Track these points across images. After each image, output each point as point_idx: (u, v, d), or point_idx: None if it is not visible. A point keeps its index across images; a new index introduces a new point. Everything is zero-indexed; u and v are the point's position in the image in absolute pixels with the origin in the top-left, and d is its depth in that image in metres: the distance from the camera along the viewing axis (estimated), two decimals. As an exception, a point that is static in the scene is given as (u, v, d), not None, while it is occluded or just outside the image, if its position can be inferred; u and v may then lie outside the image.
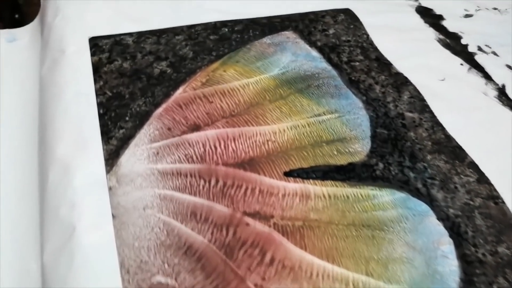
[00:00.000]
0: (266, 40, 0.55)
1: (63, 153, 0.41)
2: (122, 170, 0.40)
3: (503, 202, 0.41)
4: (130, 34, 0.53)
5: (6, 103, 0.53)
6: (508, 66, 0.57)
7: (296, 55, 0.53)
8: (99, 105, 0.45)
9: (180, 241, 0.36)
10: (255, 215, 0.38)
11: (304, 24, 0.58)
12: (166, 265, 0.34)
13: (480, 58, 0.58)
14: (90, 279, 0.33)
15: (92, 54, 0.50)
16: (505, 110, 0.51)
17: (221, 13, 0.58)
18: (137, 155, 0.41)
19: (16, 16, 0.83)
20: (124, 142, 0.42)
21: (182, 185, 0.40)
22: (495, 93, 0.53)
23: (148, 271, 0.34)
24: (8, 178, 0.46)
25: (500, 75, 0.56)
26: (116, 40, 0.52)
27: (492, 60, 0.58)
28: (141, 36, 0.53)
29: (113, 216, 0.37)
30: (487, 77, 0.55)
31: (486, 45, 0.60)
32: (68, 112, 0.45)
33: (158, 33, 0.54)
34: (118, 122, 0.44)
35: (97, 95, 0.46)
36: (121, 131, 0.43)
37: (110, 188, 0.39)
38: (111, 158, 0.41)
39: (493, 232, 0.39)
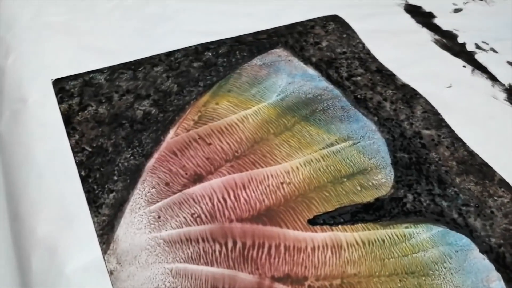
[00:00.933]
0: (257, 61, 0.49)
1: (45, 232, 0.34)
2: (121, 246, 0.34)
3: (544, 222, 0.38)
4: (100, 71, 0.46)
5: None
6: (509, 63, 0.54)
7: (292, 76, 0.48)
8: (79, 165, 0.38)
9: (206, 328, 0.30)
10: (286, 279, 0.33)
11: (294, 39, 0.52)
12: None
13: (480, 57, 0.55)
14: None
15: (60, 101, 0.43)
16: (518, 113, 0.48)
17: (200, 34, 0.52)
18: (135, 223, 0.35)
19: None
20: (118, 209, 0.36)
21: (194, 254, 0.34)
22: (504, 95, 0.50)
23: None
24: None
25: (504, 74, 0.53)
26: (86, 80, 0.45)
27: (493, 58, 0.55)
28: (114, 71, 0.46)
29: (121, 309, 0.31)
30: (492, 78, 0.52)
31: (483, 42, 0.57)
32: (43, 177, 0.38)
33: (133, 66, 0.47)
34: (106, 185, 0.37)
35: (75, 152, 0.39)
36: (111, 195, 0.36)
37: (111, 272, 0.32)
38: (106, 232, 0.34)
39: (541, 259, 0.36)
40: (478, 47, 0.56)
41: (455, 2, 0.63)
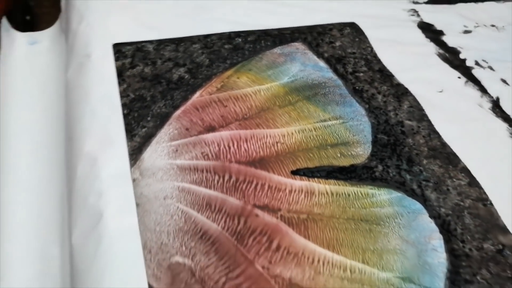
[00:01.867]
0: (277, 50, 0.59)
1: (91, 149, 0.46)
2: (145, 164, 0.44)
3: (491, 204, 0.45)
4: (150, 42, 0.58)
5: (28, 102, 0.58)
6: (503, 81, 0.61)
7: (304, 65, 0.58)
8: (123, 106, 0.49)
9: (196, 227, 0.40)
10: (264, 207, 0.42)
11: (312, 36, 0.62)
12: (183, 248, 0.38)
13: (477, 72, 0.62)
14: (116, 259, 0.37)
15: (116, 59, 0.55)
16: (499, 121, 0.55)
17: (234, 24, 0.63)
18: (158, 151, 0.46)
19: (27, 17, 0.88)
20: (146, 140, 0.46)
21: (198, 179, 0.44)
22: (489, 105, 0.57)
23: (168, 252, 0.38)
24: (32, 173, 0.50)
25: (495, 89, 0.59)
26: (138, 47, 0.57)
27: (488, 75, 0.62)
28: (160, 43, 0.58)
29: (137, 205, 0.41)
30: (483, 90, 0.59)
31: (483, 60, 0.64)
32: (95, 112, 0.49)
33: (176, 41, 0.59)
34: (141, 122, 0.48)
35: (121, 97, 0.50)
36: (143, 130, 0.47)
37: (134, 180, 0.43)
38: (135, 153, 0.45)
39: (480, 230, 0.43)
40: (477, 63, 0.63)
41: (466, 25, 0.70)
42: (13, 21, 0.76)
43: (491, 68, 0.63)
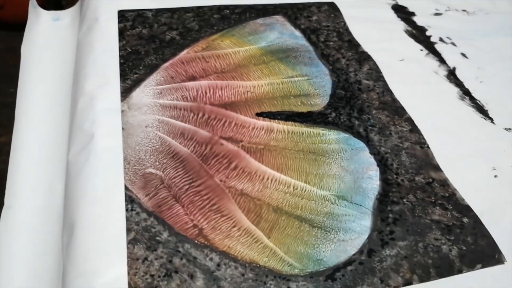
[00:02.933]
0: (259, 21, 0.68)
1: (90, 88, 0.55)
2: (133, 100, 0.53)
3: (428, 147, 0.52)
4: (150, 10, 0.67)
5: (47, 66, 0.67)
6: (463, 54, 0.68)
7: (282, 34, 0.66)
8: (121, 57, 0.59)
9: (170, 149, 0.48)
10: (228, 139, 0.50)
11: (292, 11, 0.70)
12: (157, 163, 0.47)
13: (439, 46, 0.69)
14: (101, 167, 0.46)
15: (119, 22, 0.64)
16: (451, 86, 0.62)
17: (227, 0, 0.71)
18: (145, 92, 0.54)
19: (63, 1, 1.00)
20: (137, 83, 0.55)
21: (176, 115, 0.52)
22: (445, 73, 0.64)
23: (143, 165, 0.47)
24: (46, 121, 0.59)
25: (453, 60, 0.66)
26: (139, 13, 0.66)
27: (449, 49, 0.68)
28: (158, 11, 0.67)
29: (122, 129, 0.50)
30: (442, 60, 0.66)
31: (447, 37, 0.71)
32: (97, 61, 0.58)
33: (172, 11, 0.68)
34: (134, 70, 0.57)
35: (120, 50, 0.60)
36: (135, 76, 0.56)
37: (122, 111, 0.52)
38: (126, 92, 0.54)
39: (414, 167, 0.50)
40: (441, 39, 0.70)
41: (438, 8, 0.77)
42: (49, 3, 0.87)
43: (453, 44, 0.70)
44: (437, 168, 0.50)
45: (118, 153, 0.48)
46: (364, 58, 0.63)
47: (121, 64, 0.57)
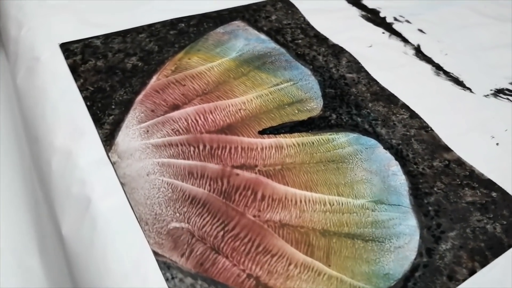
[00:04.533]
0: (220, 30, 0.63)
1: (62, 143, 0.46)
2: (121, 147, 0.46)
3: (432, 130, 0.52)
4: (97, 37, 0.59)
5: None
6: (420, 30, 0.69)
7: (248, 40, 0.62)
8: (85, 99, 0.50)
9: (184, 194, 0.43)
10: (242, 167, 0.46)
11: (249, 14, 0.66)
12: (177, 214, 0.41)
13: (397, 26, 0.70)
14: (115, 235, 0.39)
15: (66, 58, 0.55)
16: (423, 64, 0.63)
17: (174, 11, 0.65)
18: (130, 134, 0.47)
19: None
20: (116, 126, 0.48)
21: (175, 153, 0.46)
22: (413, 51, 0.65)
23: (164, 220, 0.40)
24: None
25: (414, 38, 0.68)
26: (86, 43, 0.58)
27: (406, 27, 0.70)
28: (107, 37, 0.59)
29: (123, 184, 0.43)
30: (405, 40, 0.67)
31: (400, 16, 0.72)
32: (57, 109, 0.49)
33: (122, 34, 0.60)
34: (106, 111, 0.49)
35: (81, 91, 0.51)
36: (110, 117, 0.49)
37: (114, 163, 0.44)
38: (108, 139, 0.46)
39: (427, 152, 0.50)
40: (395, 19, 0.71)
41: (380, -11, 0.78)
42: None
43: (408, 21, 0.71)
44: (447, 149, 0.50)
45: (128, 213, 0.41)
46: (338, 51, 0.62)
47: (89, 107, 0.49)
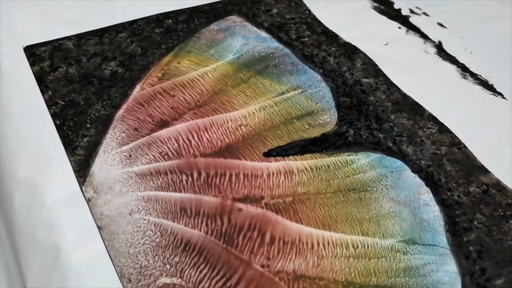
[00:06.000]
0: (214, 26, 0.54)
1: (26, 174, 0.38)
2: (97, 179, 0.38)
3: (465, 146, 0.45)
4: (68, 38, 0.50)
5: None
6: (440, 24, 0.61)
7: (246, 38, 0.53)
8: (54, 116, 0.42)
9: (176, 239, 0.35)
10: (245, 199, 0.38)
11: (247, 7, 0.57)
12: (168, 266, 0.33)
13: (414, 19, 0.61)
14: (90, 297, 0.31)
15: (32, 64, 0.46)
16: (447, 64, 0.55)
17: (160, 5, 0.56)
18: (109, 161, 0.39)
19: None
20: (92, 151, 0.40)
21: (164, 183, 0.38)
22: (434, 50, 0.57)
23: (151, 275, 0.33)
24: None
25: (434, 33, 0.59)
26: (55, 46, 0.49)
27: (425, 21, 0.62)
28: (81, 38, 0.50)
29: (99, 228, 0.34)
30: (424, 36, 0.59)
31: (417, 7, 0.64)
32: (21, 130, 0.41)
33: (99, 33, 0.51)
34: (80, 131, 0.41)
35: (49, 106, 0.43)
36: (85, 139, 0.40)
37: (88, 200, 0.36)
38: (82, 169, 0.38)
39: (462, 175, 0.42)
40: (412, 11, 0.63)
41: (392, -25, 0.70)
42: None
43: (425, 14, 0.63)
44: (483, 170, 0.43)
45: (106, 266, 0.33)
46: (351, 51, 0.53)
47: (58, 127, 0.41)
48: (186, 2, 0.57)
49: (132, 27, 0.52)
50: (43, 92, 0.44)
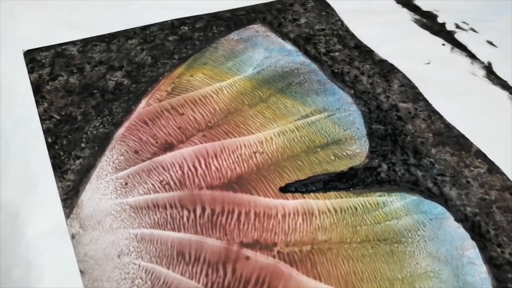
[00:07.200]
0: (234, 36, 0.48)
1: (8, 198, 0.33)
2: (85, 211, 0.33)
3: (519, 191, 0.38)
4: (73, 43, 0.45)
5: None
6: (489, 42, 0.54)
7: (269, 51, 0.47)
8: (46, 132, 0.37)
9: (169, 291, 0.29)
10: (254, 245, 0.32)
11: (272, 15, 0.52)
12: (157, 326, 0.28)
13: (460, 36, 0.54)
14: None
15: (30, 71, 0.42)
16: (497, 89, 0.48)
17: (177, 10, 0.51)
18: (101, 189, 0.34)
19: None
20: (83, 175, 0.35)
21: (161, 219, 0.33)
22: (482, 72, 0.50)
23: (136, 337, 0.27)
24: None
25: (483, 53, 0.52)
26: (58, 51, 0.44)
27: (472, 37, 0.54)
28: (87, 43, 0.45)
29: (82, 272, 0.29)
30: (472, 56, 0.52)
31: (463, 22, 0.56)
32: (9, 145, 0.36)
33: (107, 39, 0.46)
34: (73, 151, 0.36)
35: (42, 120, 0.38)
36: (77, 161, 0.35)
37: (73, 236, 0.31)
38: (70, 197, 0.33)
39: (516, 227, 0.36)
40: (458, 26, 0.56)
41: (436, -16, 0.63)
42: None
43: (473, 30, 0.56)
44: (542, 222, 0.36)
45: (85, 322, 0.28)
46: (388, 70, 0.47)
47: (50, 146, 0.36)
48: (205, 7, 0.52)
49: (144, 33, 0.47)
50: (38, 104, 0.39)
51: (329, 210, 0.35)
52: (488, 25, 0.57)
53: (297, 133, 0.40)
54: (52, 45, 0.45)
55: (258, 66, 0.46)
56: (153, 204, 0.34)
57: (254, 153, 0.38)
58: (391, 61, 0.49)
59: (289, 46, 0.48)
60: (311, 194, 0.36)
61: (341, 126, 0.41)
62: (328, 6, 0.54)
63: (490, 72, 0.50)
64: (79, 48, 0.45)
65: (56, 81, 0.41)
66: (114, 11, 0.50)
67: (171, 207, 0.34)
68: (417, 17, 0.56)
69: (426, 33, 0.54)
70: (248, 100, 0.42)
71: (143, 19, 0.49)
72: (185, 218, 0.33)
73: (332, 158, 0.38)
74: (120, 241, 0.31)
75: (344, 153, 0.39)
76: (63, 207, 0.33)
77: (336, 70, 0.46)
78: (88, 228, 0.32)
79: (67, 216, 0.32)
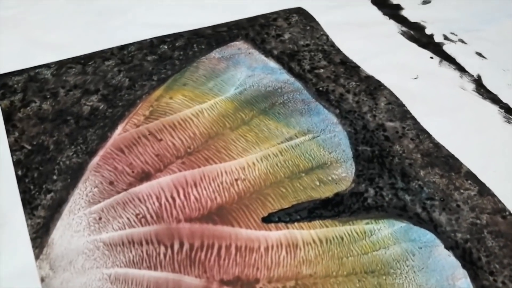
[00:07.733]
0: (215, 54, 0.47)
1: (-26, 237, 0.32)
2: (56, 250, 0.31)
3: (511, 214, 0.37)
4: (47, 66, 0.44)
5: None
6: (479, 54, 0.53)
7: (252, 69, 0.46)
8: (16, 164, 0.35)
9: (144, 338, 0.28)
10: (235, 282, 0.31)
11: (255, 31, 0.50)
12: None
13: (448, 48, 0.53)
14: None
15: (1, 98, 0.40)
16: (487, 105, 0.47)
17: (156, 27, 0.49)
18: (73, 225, 0.32)
19: None
20: (55, 211, 0.33)
21: (137, 257, 0.31)
22: (472, 86, 0.49)
23: None
24: None
25: (472, 65, 0.51)
26: (31, 75, 0.43)
27: (461, 49, 0.53)
28: (61, 66, 0.44)
29: (50, 320, 0.28)
30: (461, 68, 0.51)
31: (451, 33, 0.55)
32: (-24, 179, 0.35)
33: (82, 60, 0.45)
34: (44, 185, 0.34)
35: (12, 151, 0.36)
36: (48, 196, 0.34)
37: (42, 280, 0.29)
38: (39, 236, 0.31)
39: (507, 253, 0.34)
40: (446, 38, 0.55)
41: (422, -6, 0.61)
42: None
43: (462, 41, 0.54)
44: (535, 246, 0.35)
45: None
46: (374, 87, 0.46)
47: (20, 179, 0.34)
48: (187, 23, 0.51)
49: (122, 54, 0.46)
50: (9, 133, 0.37)
51: (314, 241, 0.33)
52: (477, 35, 0.56)
53: (280, 157, 0.38)
54: (25, 69, 0.43)
55: (241, 86, 0.44)
56: (128, 240, 0.32)
57: (236, 180, 0.36)
58: (378, 76, 0.47)
59: (272, 63, 0.47)
60: (295, 223, 0.34)
61: (326, 148, 0.39)
62: (313, 20, 0.53)
63: (479, 86, 0.49)
64: (53, 72, 0.43)
65: (28, 108, 0.40)
66: (91, 30, 0.48)
67: (147, 243, 0.32)
68: (404, 29, 0.55)
69: (414, 46, 0.53)
70: (229, 123, 0.41)
71: (122, 37, 0.48)
72: (162, 255, 0.31)
73: (317, 183, 0.37)
74: (93, 283, 0.30)
75: (330, 178, 0.37)
76: (33, 246, 0.31)
77: (321, 88, 0.45)
78: (58, 270, 0.30)
79: (37, 257, 0.30)
